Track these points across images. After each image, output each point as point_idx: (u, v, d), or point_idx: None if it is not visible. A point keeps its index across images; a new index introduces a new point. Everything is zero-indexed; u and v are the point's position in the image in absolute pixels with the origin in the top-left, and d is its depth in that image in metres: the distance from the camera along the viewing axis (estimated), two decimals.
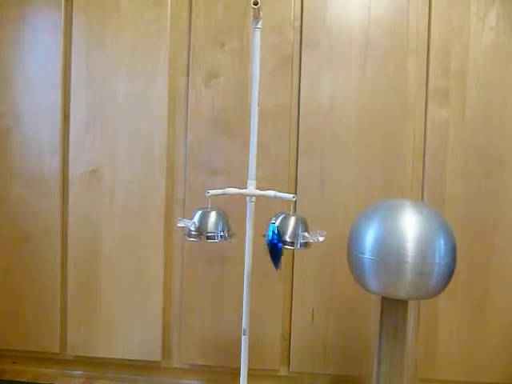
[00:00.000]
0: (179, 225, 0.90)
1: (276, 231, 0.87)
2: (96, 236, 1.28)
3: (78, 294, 1.30)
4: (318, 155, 1.23)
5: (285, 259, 1.25)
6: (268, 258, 0.88)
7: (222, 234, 0.91)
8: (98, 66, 1.27)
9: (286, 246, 0.87)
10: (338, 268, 1.22)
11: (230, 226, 0.94)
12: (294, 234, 0.87)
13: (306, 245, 0.88)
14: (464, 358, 1.21)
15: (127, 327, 1.29)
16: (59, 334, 1.31)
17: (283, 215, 0.89)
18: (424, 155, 1.20)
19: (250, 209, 0.98)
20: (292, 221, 0.88)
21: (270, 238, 0.87)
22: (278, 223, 0.88)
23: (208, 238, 0.90)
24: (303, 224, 0.89)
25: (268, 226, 0.88)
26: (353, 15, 1.21)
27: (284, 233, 0.87)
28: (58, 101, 1.28)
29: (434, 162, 1.20)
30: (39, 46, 1.29)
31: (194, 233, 0.90)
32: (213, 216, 0.90)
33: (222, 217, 0.92)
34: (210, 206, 0.91)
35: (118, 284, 1.28)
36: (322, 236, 0.86)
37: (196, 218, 0.90)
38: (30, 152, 1.30)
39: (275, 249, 0.87)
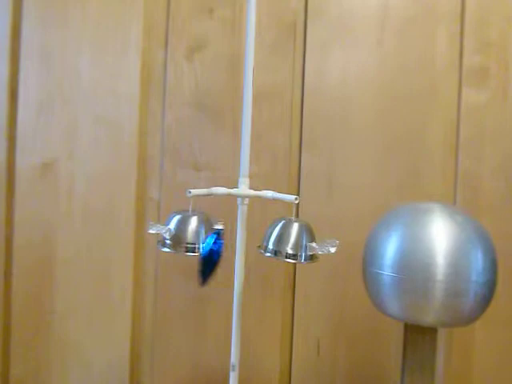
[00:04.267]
0: (150, 231, 0.77)
1: (218, 238, 0.78)
2: (50, 241, 1.14)
3: (24, 313, 1.14)
4: (325, 148, 1.09)
5: (285, 276, 1.11)
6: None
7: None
8: (55, 36, 1.12)
9: (288, 260, 0.76)
10: (349, 287, 1.08)
11: None
12: (298, 245, 0.76)
13: (312, 258, 0.77)
14: None
15: (86, 357, 1.14)
16: (1, 367, 1.15)
17: (283, 221, 0.77)
18: (457, 148, 1.07)
19: (242, 213, 0.86)
20: (295, 228, 0.77)
21: (210, 245, 0.78)
22: (269, 230, 0.78)
23: (187, 249, 0.77)
24: (308, 232, 0.77)
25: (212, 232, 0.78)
26: None
27: (285, 243, 0.76)
28: (4, 75, 1.13)
29: (468, 156, 1.07)
30: None
31: (168, 242, 0.77)
32: (193, 222, 0.78)
33: (206, 223, 0.80)
34: (191, 209, 0.80)
35: (76, 301, 1.14)
36: (333, 246, 0.76)
37: (172, 224, 0.78)
38: None
39: (211, 258, 0.77)
